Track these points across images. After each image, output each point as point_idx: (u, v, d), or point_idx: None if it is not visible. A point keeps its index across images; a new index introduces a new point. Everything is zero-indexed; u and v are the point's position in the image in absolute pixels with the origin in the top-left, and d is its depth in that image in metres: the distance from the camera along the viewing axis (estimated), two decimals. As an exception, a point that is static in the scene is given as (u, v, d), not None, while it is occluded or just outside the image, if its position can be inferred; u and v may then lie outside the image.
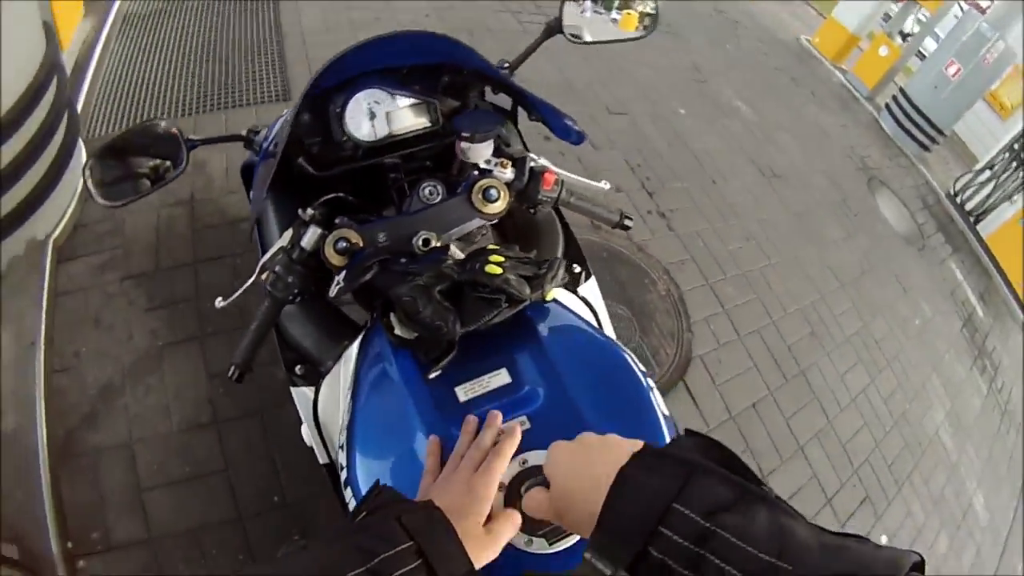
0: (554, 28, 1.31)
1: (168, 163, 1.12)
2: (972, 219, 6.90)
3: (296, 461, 2.19)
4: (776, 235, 4.07)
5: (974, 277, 6.40)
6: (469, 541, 0.64)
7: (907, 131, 7.00)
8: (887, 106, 7.20)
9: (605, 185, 1.17)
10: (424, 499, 0.70)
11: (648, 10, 1.36)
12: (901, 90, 7.15)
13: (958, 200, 6.91)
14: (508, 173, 1.02)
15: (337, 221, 0.99)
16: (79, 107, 3.21)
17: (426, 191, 1.04)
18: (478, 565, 0.65)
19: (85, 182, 1.07)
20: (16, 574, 1.83)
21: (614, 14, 1.33)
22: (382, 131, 1.15)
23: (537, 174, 1.04)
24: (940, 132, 7.07)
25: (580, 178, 1.20)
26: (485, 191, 0.98)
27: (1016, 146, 6.67)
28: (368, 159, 1.19)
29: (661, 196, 3.58)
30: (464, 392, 0.89)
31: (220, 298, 1.13)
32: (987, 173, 6.88)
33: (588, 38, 1.30)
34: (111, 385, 2.31)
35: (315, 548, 0.58)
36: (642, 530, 0.47)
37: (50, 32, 2.51)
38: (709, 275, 3.36)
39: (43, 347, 2.31)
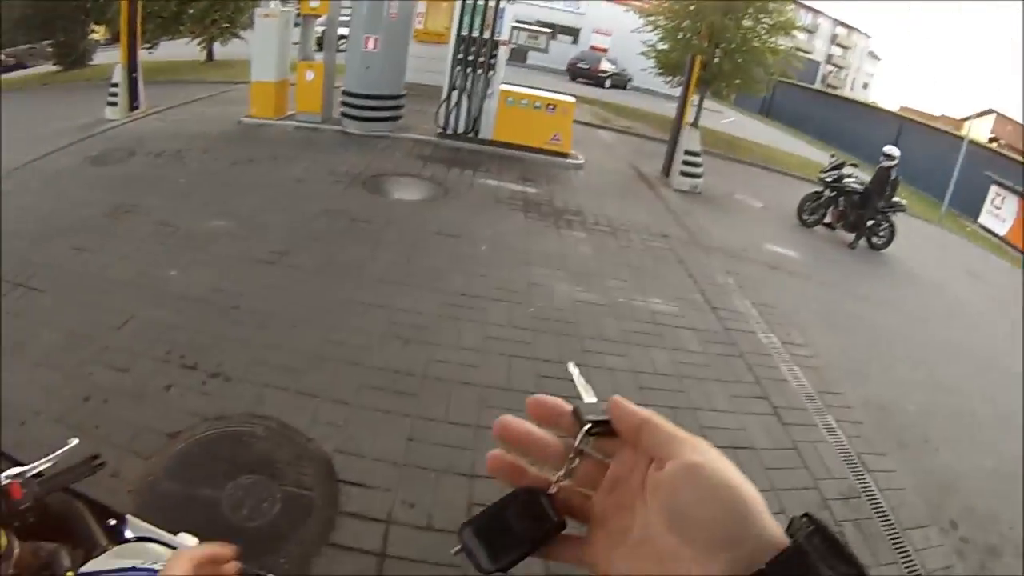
0: None
1: None
2: (473, 133, 7.69)
3: None
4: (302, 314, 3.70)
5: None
6: None
7: (369, 119, 7.45)
8: (343, 113, 7.55)
9: (72, 442, 1.01)
10: None
11: None
12: (344, 91, 7.53)
13: (448, 130, 7.66)
14: None
15: None
16: None
17: None
18: None
19: None
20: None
21: None
22: None
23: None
24: (397, 96, 7.68)
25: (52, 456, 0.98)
26: None
27: (464, 53, 7.47)
28: None
29: (203, 358, 3.11)
30: None
31: None
32: (454, 94, 7.69)
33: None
34: None
35: None
36: None
37: None
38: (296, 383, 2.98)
39: None
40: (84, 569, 0.87)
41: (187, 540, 1.09)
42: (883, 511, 2.91)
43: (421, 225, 5.30)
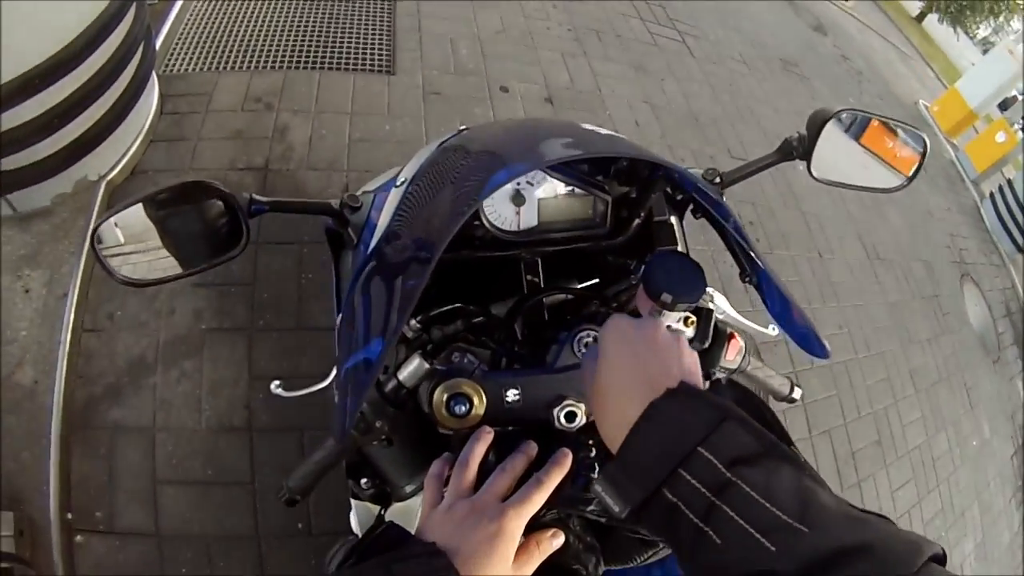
0: (794, 151, 1.00)
1: (222, 234, 0.82)
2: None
3: (332, 495, 1.97)
4: (869, 326, 3.73)
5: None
6: None
7: (1005, 227, 6.55)
8: (991, 196, 6.73)
9: (773, 331, 1.01)
10: (427, 536, 0.57)
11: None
12: (1009, 182, 6.68)
13: (1040, 314, 6.49)
14: (689, 331, 0.79)
15: (454, 359, 0.78)
16: (159, 40, 2.90)
17: (582, 342, 0.78)
18: None
19: (95, 249, 0.78)
20: (15, 567, 1.67)
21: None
22: (529, 221, 0.93)
23: (722, 337, 0.83)
24: (1040, 235, 6.61)
25: (748, 322, 1.04)
26: None
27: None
28: (499, 250, 0.95)
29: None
30: None
31: (278, 383, 1.05)
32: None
33: (834, 178, 1.00)
34: (142, 360, 2.07)
35: None
36: (662, 471, 0.44)
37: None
38: (797, 362, 3.06)
39: (75, 301, 2.07)
40: None
41: None
42: None
43: None
